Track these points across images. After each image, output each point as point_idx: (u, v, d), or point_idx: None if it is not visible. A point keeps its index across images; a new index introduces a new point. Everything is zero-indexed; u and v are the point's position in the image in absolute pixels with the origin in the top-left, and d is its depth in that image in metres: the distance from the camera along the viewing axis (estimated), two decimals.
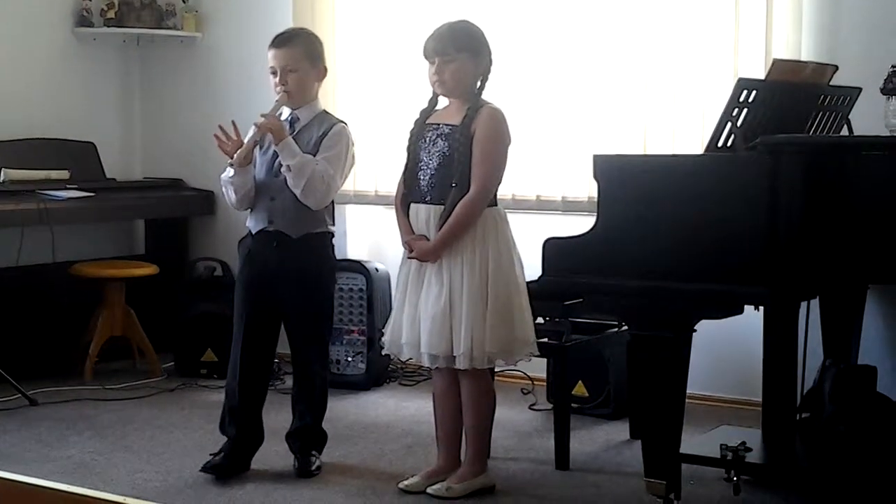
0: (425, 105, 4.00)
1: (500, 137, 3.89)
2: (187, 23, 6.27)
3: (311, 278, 4.11)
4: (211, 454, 4.20)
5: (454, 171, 3.84)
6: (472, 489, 3.97)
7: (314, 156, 4.05)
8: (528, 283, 3.92)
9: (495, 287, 3.84)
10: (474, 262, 3.83)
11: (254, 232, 4.16)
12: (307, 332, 4.20)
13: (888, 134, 4.22)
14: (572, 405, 4.57)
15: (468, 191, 3.83)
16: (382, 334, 4.09)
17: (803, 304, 4.15)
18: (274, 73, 4.09)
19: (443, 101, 4.00)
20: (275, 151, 4.08)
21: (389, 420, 4.95)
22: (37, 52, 5.99)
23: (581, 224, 3.67)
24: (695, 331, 3.56)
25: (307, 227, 4.11)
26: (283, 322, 4.21)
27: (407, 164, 3.97)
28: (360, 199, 5.71)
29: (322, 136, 4.09)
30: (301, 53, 4.09)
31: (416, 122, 3.99)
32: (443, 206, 3.85)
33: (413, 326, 3.90)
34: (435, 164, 3.88)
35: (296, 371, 4.29)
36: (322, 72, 4.17)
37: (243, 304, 4.19)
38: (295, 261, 4.10)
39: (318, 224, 4.12)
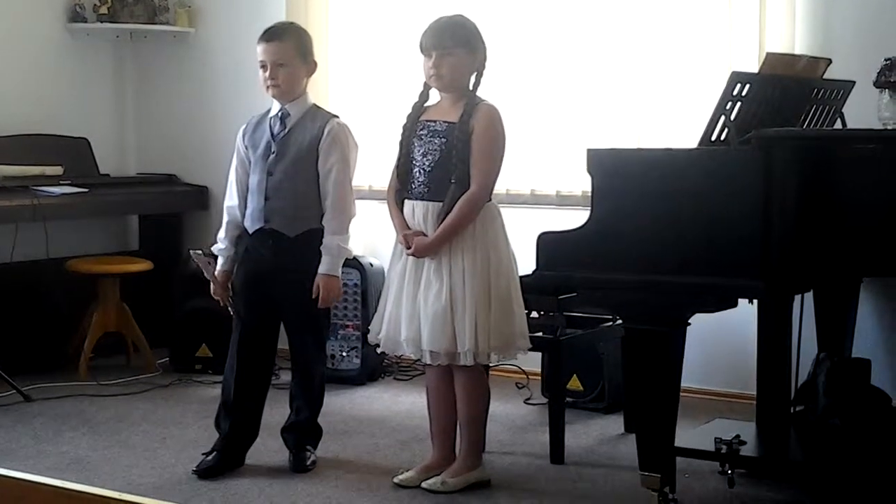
0: (416, 99, 4.00)
1: (498, 134, 3.90)
2: (180, 18, 6.26)
3: (308, 275, 4.10)
4: (203, 453, 4.19)
5: (453, 167, 3.83)
6: (467, 483, 3.97)
7: (315, 160, 4.05)
8: (522, 277, 3.93)
9: (497, 282, 3.84)
10: (475, 258, 3.83)
11: (250, 231, 4.15)
12: (305, 328, 4.19)
13: (881, 127, 4.22)
14: (567, 399, 4.58)
15: (467, 187, 3.83)
16: (369, 331, 4.09)
17: (797, 298, 4.16)
18: (263, 67, 4.09)
19: (433, 97, 4.00)
20: (269, 151, 4.09)
21: (384, 415, 4.95)
22: (30, 48, 5.98)
23: (575, 218, 3.67)
24: (689, 324, 3.56)
25: (303, 226, 4.10)
26: (281, 319, 4.21)
27: (399, 160, 3.97)
28: (354, 194, 5.69)
29: (317, 137, 4.08)
30: (291, 48, 4.08)
31: (409, 116, 3.98)
32: (440, 203, 3.85)
33: (412, 323, 3.89)
34: (431, 161, 3.87)
35: (294, 367, 4.29)
36: (312, 66, 4.17)
37: (241, 302, 4.19)
38: (291, 258, 4.10)
39: (314, 221, 4.12)
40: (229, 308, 4.22)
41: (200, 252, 4.24)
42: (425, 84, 3.97)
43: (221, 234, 4.23)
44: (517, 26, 5.41)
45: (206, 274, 4.22)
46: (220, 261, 4.22)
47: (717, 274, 3.38)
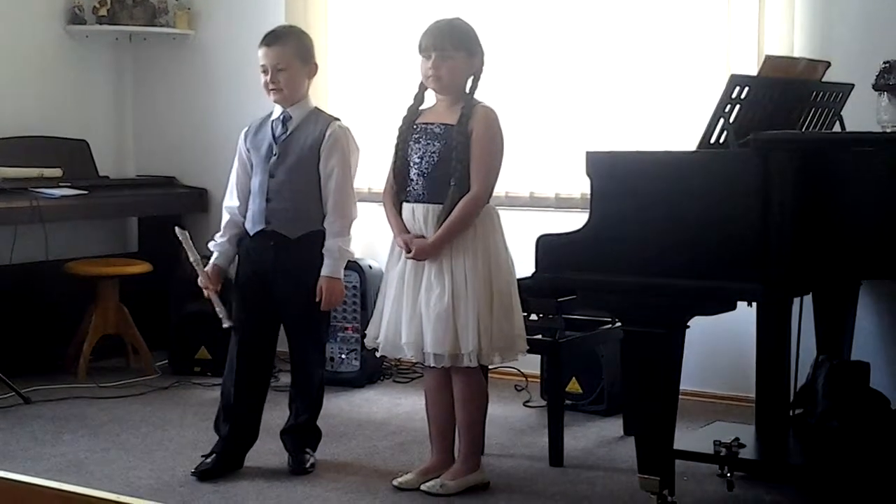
0: (412, 102, 4.00)
1: (497, 136, 3.90)
2: (180, 20, 6.26)
3: (308, 277, 4.11)
4: (202, 455, 4.20)
5: (452, 170, 3.84)
6: (466, 486, 3.98)
7: (316, 162, 4.06)
8: (521, 279, 3.93)
9: (498, 284, 3.85)
10: (476, 260, 3.84)
11: (251, 233, 4.15)
12: (304, 330, 4.20)
13: (880, 130, 4.23)
14: (566, 402, 4.58)
15: (467, 189, 3.83)
16: (365, 335, 4.08)
17: (796, 300, 4.16)
18: (265, 72, 4.10)
19: (429, 100, 4.00)
20: (271, 153, 4.09)
21: (383, 417, 4.95)
22: (29, 50, 5.99)
23: (574, 221, 3.67)
24: (688, 327, 3.56)
25: (304, 228, 4.11)
26: (280, 321, 4.21)
27: (395, 162, 3.97)
28: (356, 196, 5.69)
29: (319, 140, 4.08)
30: (292, 52, 4.09)
31: (405, 119, 3.99)
32: (440, 205, 3.85)
33: (413, 326, 3.89)
34: (430, 163, 3.88)
35: (293, 369, 4.29)
36: (313, 69, 4.18)
37: (240, 304, 4.19)
38: (291, 260, 4.10)
39: (315, 223, 4.12)
40: (214, 307, 4.18)
41: (186, 232, 4.22)
42: (421, 85, 3.98)
43: (220, 231, 4.23)
44: (516, 29, 5.41)
45: (189, 256, 4.20)
46: (214, 255, 4.22)
47: (715, 276, 3.37)
